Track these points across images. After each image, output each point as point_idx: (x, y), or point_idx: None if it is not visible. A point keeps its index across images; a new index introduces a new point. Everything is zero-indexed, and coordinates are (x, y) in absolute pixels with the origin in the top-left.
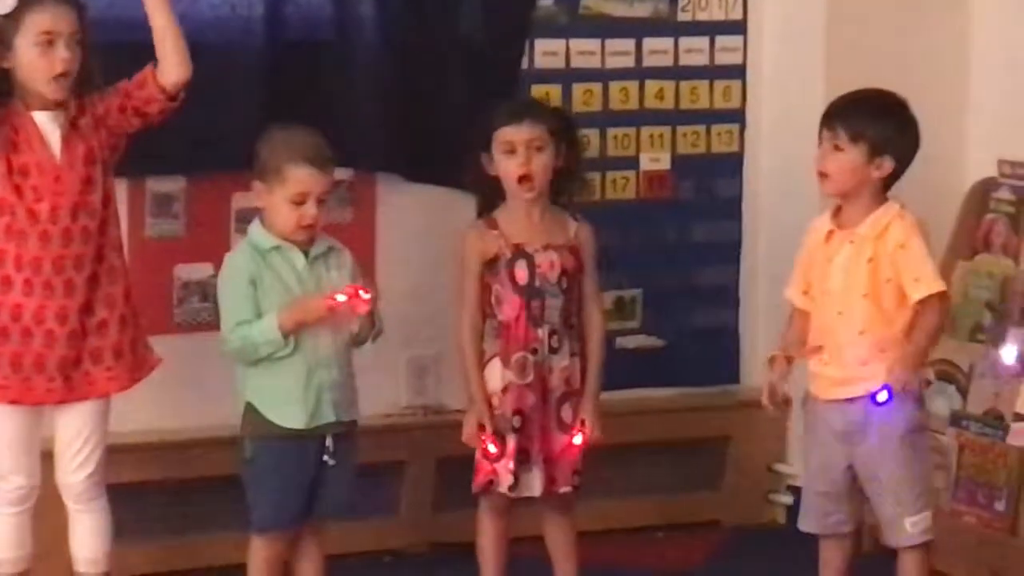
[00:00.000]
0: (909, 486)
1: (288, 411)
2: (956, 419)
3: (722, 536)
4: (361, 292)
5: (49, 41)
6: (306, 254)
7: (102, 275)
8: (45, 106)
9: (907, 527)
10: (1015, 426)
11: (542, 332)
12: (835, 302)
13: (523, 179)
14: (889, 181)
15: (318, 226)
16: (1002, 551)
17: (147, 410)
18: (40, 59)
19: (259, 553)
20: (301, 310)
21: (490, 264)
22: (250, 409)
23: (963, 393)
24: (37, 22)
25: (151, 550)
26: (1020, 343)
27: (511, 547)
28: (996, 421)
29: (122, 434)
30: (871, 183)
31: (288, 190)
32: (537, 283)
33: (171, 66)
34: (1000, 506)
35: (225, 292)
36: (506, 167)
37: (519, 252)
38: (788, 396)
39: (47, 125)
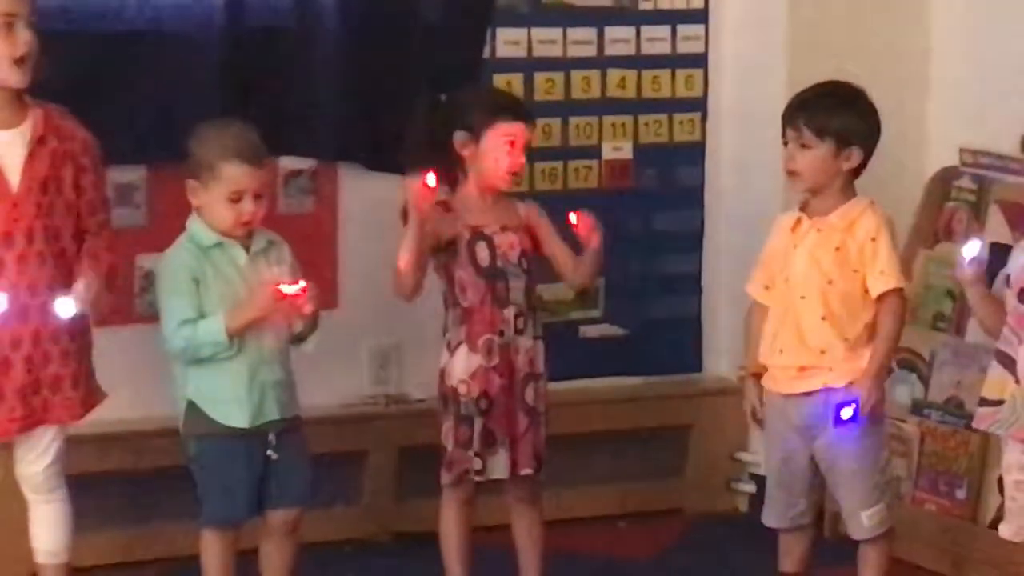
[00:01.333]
0: (865, 479)
1: (230, 410)
2: (918, 408)
3: (684, 524)
4: (304, 289)
5: (8, 24)
6: (247, 249)
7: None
8: (7, 123)
9: (863, 520)
10: (980, 411)
11: (508, 313)
12: (798, 287)
13: (516, 174)
14: (857, 171)
15: (256, 222)
16: (964, 538)
17: (108, 400)
18: (1, 43)
19: (211, 547)
20: (249, 308)
21: (448, 247)
22: (192, 408)
23: (925, 382)
24: None
25: (111, 541)
26: (982, 240)
27: (474, 536)
28: (957, 409)
29: (82, 424)
30: (841, 176)
31: (224, 188)
32: (499, 264)
33: None
34: (961, 494)
35: (167, 289)
36: (502, 159)
37: (478, 234)
38: None
39: (7, 146)
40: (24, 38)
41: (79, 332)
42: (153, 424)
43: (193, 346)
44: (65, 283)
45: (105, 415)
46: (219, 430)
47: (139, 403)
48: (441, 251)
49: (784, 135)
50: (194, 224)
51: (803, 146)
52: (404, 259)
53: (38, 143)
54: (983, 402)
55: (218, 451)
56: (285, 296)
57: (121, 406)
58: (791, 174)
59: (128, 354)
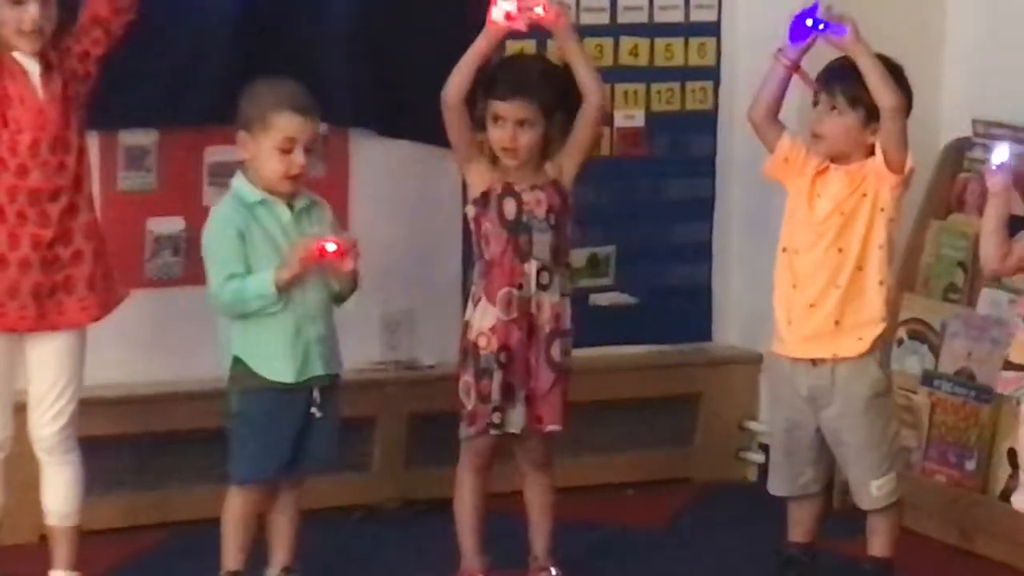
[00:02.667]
0: (873, 450)
1: (277, 365)
2: (928, 378)
3: (693, 493)
4: (345, 246)
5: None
6: (291, 207)
7: (80, 205)
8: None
9: (872, 490)
10: (1004, 375)
11: (528, 267)
12: (818, 228)
13: (507, 151)
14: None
15: (305, 175)
16: (973, 510)
17: (118, 364)
18: (10, 12)
19: (236, 506)
20: (294, 264)
21: (482, 200)
22: (238, 363)
23: (936, 353)
24: None
25: (121, 504)
26: (1013, 147)
27: (488, 504)
28: (968, 381)
29: (93, 388)
30: (863, 148)
31: (274, 138)
32: (524, 218)
33: None
34: (971, 465)
35: (213, 246)
36: (492, 136)
37: (508, 190)
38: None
39: (27, 62)
40: (32, 13)
41: (93, 234)
42: (163, 388)
43: (241, 300)
44: (73, 191)
45: (115, 380)
46: (265, 385)
47: (150, 368)
48: (478, 201)
49: (815, 96)
50: (238, 181)
51: (834, 109)
52: (466, 54)
53: (45, 61)
54: (1008, 366)
55: (263, 406)
56: (327, 253)
57: (132, 370)
58: (815, 136)
59: (139, 318)
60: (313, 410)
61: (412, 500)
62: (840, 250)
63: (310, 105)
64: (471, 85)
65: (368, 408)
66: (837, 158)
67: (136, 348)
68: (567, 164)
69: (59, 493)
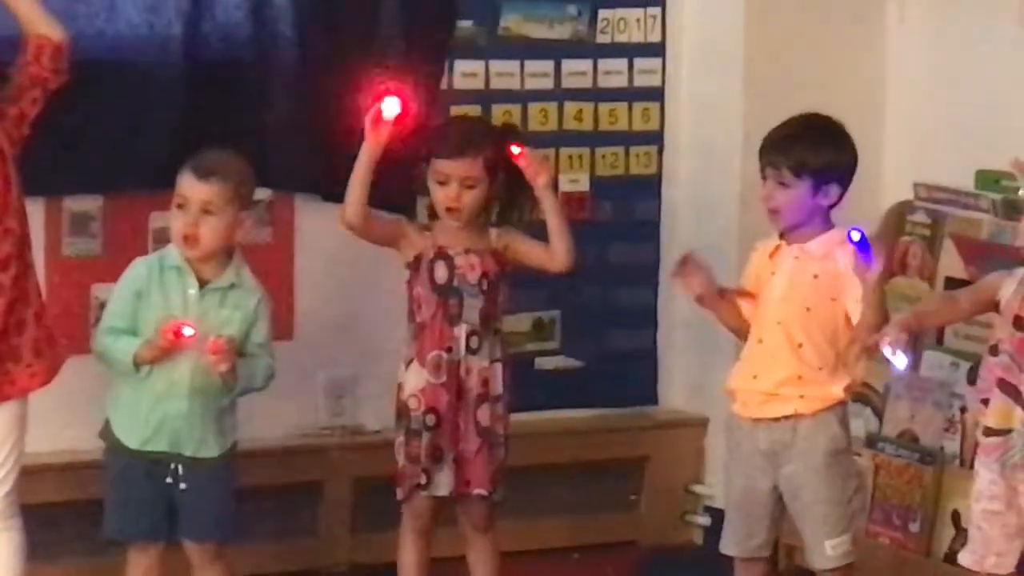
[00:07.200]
0: (830, 508)
1: (125, 428)
2: (872, 441)
3: (639, 557)
4: (213, 345)
5: None
6: (203, 283)
7: (28, 271)
8: None
9: (827, 550)
10: (987, 440)
11: (458, 331)
12: (775, 312)
13: (451, 211)
14: (836, 204)
15: (197, 239)
16: (917, 572)
17: (64, 430)
18: None
19: (129, 567)
20: (155, 341)
21: (414, 264)
22: (107, 418)
23: (879, 415)
24: None
25: (67, 571)
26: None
27: (432, 567)
28: (912, 443)
29: (39, 454)
30: (819, 211)
31: (175, 198)
32: (455, 283)
33: (44, 31)
34: (915, 527)
35: (112, 296)
36: (436, 196)
37: (441, 254)
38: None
39: None
40: None
41: (35, 299)
42: None
43: (105, 356)
44: (19, 257)
45: (61, 445)
46: (117, 444)
47: (94, 433)
48: (410, 266)
49: (763, 171)
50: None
51: (782, 184)
52: (352, 177)
53: None
54: (988, 432)
55: (116, 465)
56: (183, 337)
57: (77, 436)
58: (771, 212)
59: (84, 383)
60: (169, 480)
61: (359, 565)
62: (808, 309)
63: (216, 169)
64: (367, 199)
65: (314, 473)
66: (795, 227)
67: (82, 414)
68: (514, 252)
69: (2, 561)
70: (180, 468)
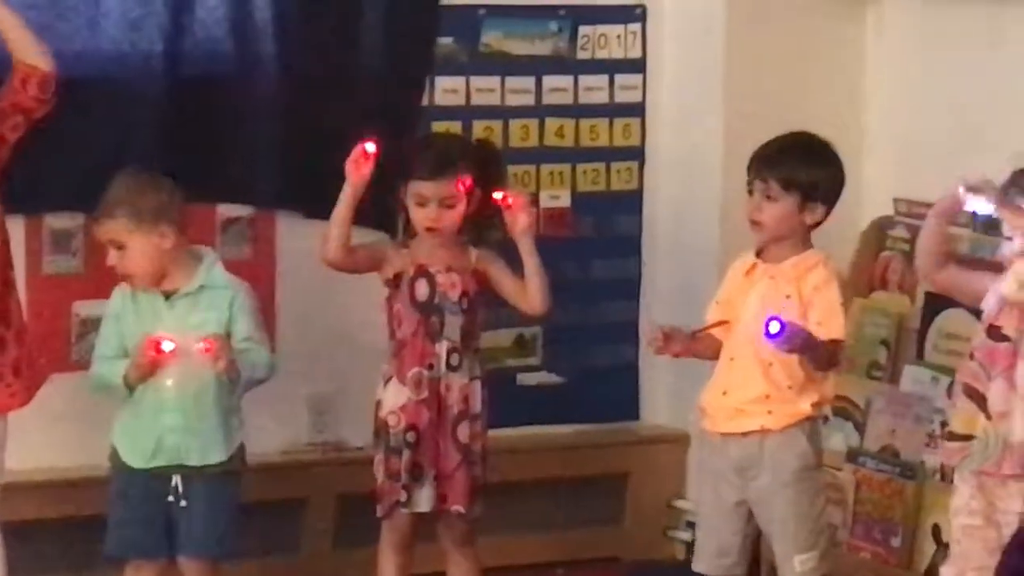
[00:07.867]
0: (799, 524)
1: (130, 448)
2: (853, 456)
3: (621, 572)
4: (205, 347)
5: None
6: (167, 295)
7: (8, 290)
8: None
9: (796, 566)
10: (949, 445)
11: (439, 348)
12: (747, 330)
13: (431, 230)
14: (818, 224)
15: (132, 278)
16: None
17: (46, 447)
18: None
19: None
20: (137, 359)
21: (393, 282)
22: (112, 443)
23: (860, 430)
24: None
25: None
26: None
27: None
28: (892, 457)
29: (20, 472)
30: (802, 228)
31: None
32: (436, 300)
33: (33, 60)
34: (896, 542)
35: (101, 324)
36: (416, 216)
37: (422, 272)
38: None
39: None
40: None
41: (16, 318)
42: (91, 471)
43: (101, 384)
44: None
45: (43, 462)
46: (121, 465)
47: (77, 451)
48: (389, 284)
49: (750, 184)
50: None
51: (769, 198)
52: (334, 216)
53: None
54: (951, 436)
55: (119, 485)
56: (162, 352)
57: (59, 454)
58: (754, 224)
59: (65, 400)
60: (171, 498)
61: None
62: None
63: (106, 207)
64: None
65: (296, 490)
66: (776, 240)
67: (63, 431)
68: (492, 280)
69: None
70: (182, 484)
